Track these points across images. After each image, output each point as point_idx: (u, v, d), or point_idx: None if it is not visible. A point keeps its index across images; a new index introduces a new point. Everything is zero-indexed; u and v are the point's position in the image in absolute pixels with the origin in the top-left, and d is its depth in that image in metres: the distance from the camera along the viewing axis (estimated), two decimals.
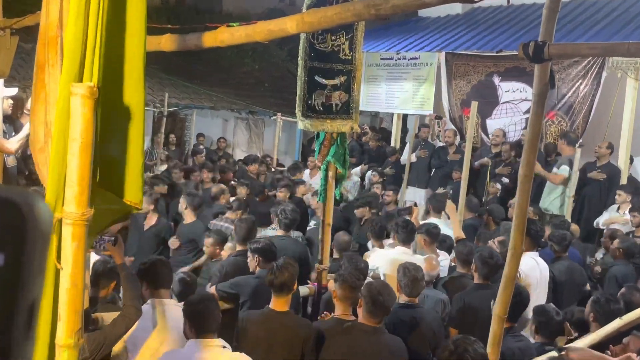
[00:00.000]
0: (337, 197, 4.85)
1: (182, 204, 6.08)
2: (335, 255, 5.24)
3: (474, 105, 6.40)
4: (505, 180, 8.03)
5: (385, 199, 7.64)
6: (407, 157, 9.53)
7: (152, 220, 6.22)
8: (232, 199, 7.41)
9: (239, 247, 4.93)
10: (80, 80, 1.88)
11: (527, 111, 8.77)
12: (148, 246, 6.03)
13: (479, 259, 4.33)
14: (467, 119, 8.82)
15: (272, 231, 5.92)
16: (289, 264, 3.71)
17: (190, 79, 14.08)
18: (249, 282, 4.30)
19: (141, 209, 2.68)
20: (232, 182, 8.22)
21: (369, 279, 4.11)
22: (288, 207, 5.63)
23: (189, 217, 6.02)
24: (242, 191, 7.55)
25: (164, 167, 10.07)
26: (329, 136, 4.49)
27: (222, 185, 7.55)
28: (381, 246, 5.66)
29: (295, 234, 5.70)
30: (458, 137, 9.43)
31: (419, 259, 4.78)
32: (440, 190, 8.32)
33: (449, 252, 5.39)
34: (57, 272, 1.83)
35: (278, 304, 3.60)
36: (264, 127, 14.74)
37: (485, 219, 6.84)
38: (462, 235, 5.50)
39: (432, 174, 9.53)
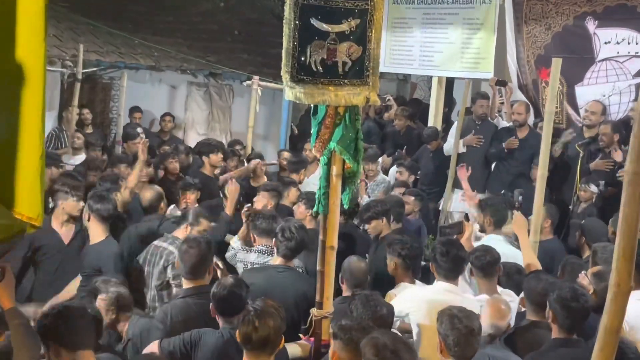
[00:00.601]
0: (346, 206, 4.84)
1: (85, 214, 6.12)
2: (346, 293, 5.27)
3: (556, 63, 6.40)
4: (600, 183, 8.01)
5: (406, 207, 7.66)
6: (454, 144, 9.52)
7: (71, 228, 6.26)
8: (171, 207, 7.41)
9: (187, 284, 4.95)
10: None
11: (639, 73, 8.79)
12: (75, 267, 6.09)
13: (558, 301, 4.33)
14: (546, 85, 8.83)
15: (258, 255, 5.95)
16: (274, 309, 3.71)
17: (120, 24, 14.06)
18: (209, 339, 4.32)
19: (40, 226, 2.67)
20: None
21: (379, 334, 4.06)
22: (293, 223, 5.66)
23: (95, 233, 6.04)
24: (190, 197, 7.52)
25: (80, 157, 10.06)
26: (333, 112, 4.49)
27: (156, 187, 7.47)
28: (412, 281, 5.66)
29: (294, 262, 5.79)
30: (532, 114, 9.42)
31: (471, 302, 4.78)
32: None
33: (519, 291, 5.39)
34: None
35: None
36: (233, 98, 14.73)
37: (577, 239, 6.85)
38: (537, 265, 5.48)
39: (492, 170, 9.53)
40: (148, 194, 7.19)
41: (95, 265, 5.84)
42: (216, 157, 9.23)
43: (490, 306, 4.65)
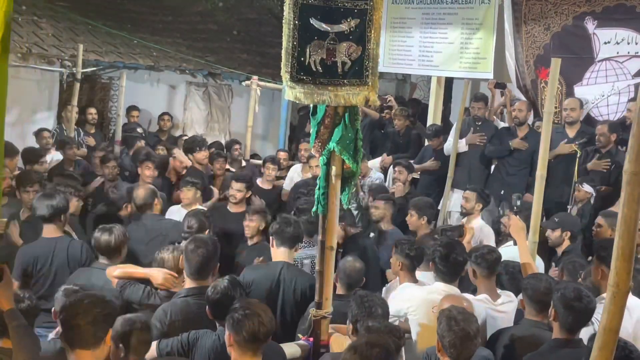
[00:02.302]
0: (345, 206, 4.85)
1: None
2: (340, 292, 5.29)
3: (556, 63, 6.39)
4: (590, 184, 7.97)
5: (373, 212, 7.53)
6: (453, 144, 9.51)
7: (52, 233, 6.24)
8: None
9: (190, 284, 4.94)
10: None
11: (639, 73, 8.79)
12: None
13: (561, 300, 4.33)
14: (545, 85, 8.82)
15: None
16: (262, 309, 3.80)
17: (119, 23, 14.06)
18: (206, 340, 4.32)
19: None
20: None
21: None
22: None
23: (46, 232, 6.01)
24: (187, 195, 7.56)
25: (50, 157, 9.99)
26: (332, 112, 4.49)
27: (149, 186, 7.34)
28: (415, 281, 5.67)
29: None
30: (532, 114, 9.42)
31: (471, 301, 4.79)
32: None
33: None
34: None
35: None
36: (232, 98, 14.73)
37: (562, 235, 6.86)
38: (533, 266, 5.47)
39: (492, 170, 9.52)
40: (140, 193, 7.03)
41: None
42: (200, 155, 9.34)
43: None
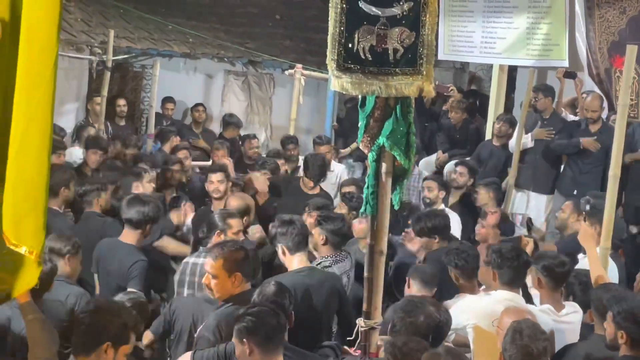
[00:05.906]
0: (396, 207, 4.85)
1: None
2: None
3: (632, 51, 6.32)
4: None
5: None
6: (517, 139, 9.45)
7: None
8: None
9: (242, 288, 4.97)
10: None
11: None
12: None
13: (627, 314, 4.31)
14: (620, 75, 8.72)
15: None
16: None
17: (152, 7, 14.19)
18: None
19: (41, 263, 2.74)
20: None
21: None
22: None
23: None
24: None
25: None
26: (382, 104, 4.50)
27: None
28: (473, 290, 5.66)
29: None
30: (606, 108, 9.32)
31: (534, 313, 4.79)
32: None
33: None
34: None
35: None
36: (274, 88, 14.79)
37: None
38: (606, 279, 5.42)
39: (561, 168, 9.45)
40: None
41: None
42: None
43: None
